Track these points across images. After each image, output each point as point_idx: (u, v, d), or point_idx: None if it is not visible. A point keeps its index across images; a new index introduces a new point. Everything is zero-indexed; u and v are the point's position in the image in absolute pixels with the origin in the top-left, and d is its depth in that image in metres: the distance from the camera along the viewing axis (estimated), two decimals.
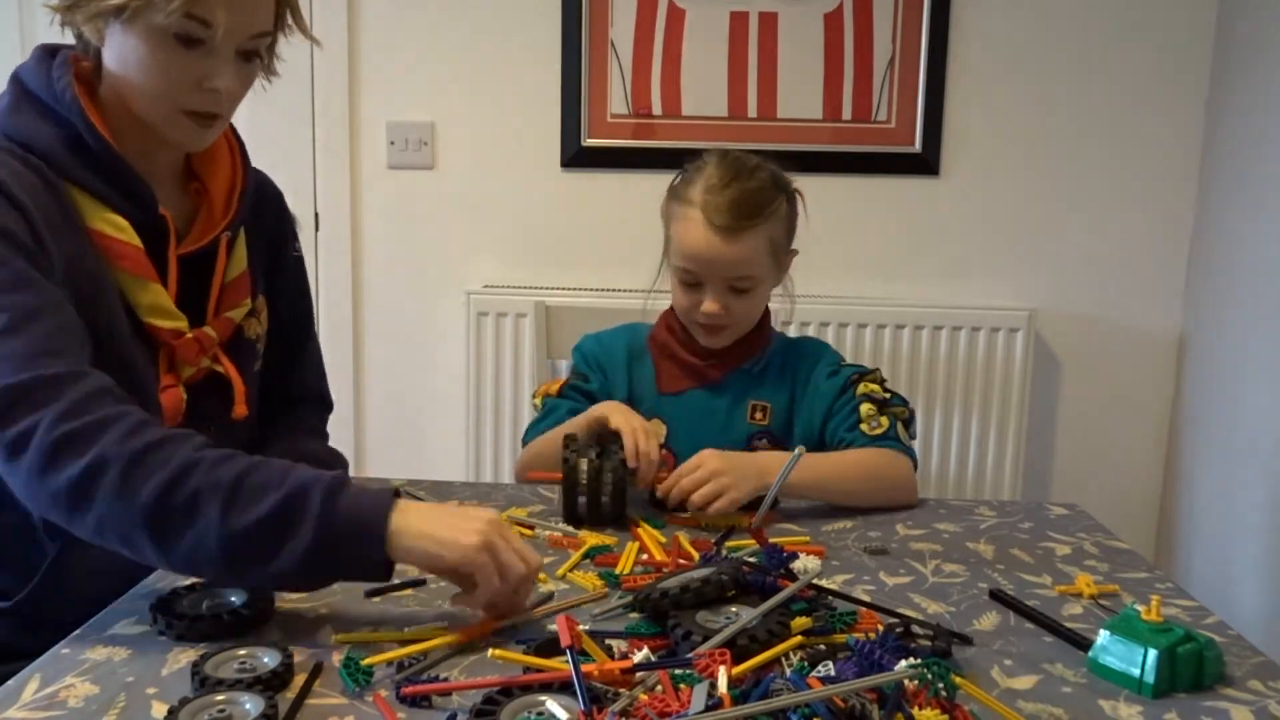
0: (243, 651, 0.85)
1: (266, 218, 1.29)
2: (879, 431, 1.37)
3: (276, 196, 1.33)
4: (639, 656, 0.83)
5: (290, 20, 1.12)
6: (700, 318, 1.41)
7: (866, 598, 1.00)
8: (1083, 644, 0.91)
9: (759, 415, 1.45)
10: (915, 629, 0.90)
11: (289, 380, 1.35)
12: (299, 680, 0.83)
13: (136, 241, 1.09)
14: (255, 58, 1.10)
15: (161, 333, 1.11)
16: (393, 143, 2.47)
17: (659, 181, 1.50)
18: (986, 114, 2.40)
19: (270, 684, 0.80)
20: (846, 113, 2.41)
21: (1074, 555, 1.17)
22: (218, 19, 1.03)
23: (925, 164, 2.41)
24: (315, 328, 1.41)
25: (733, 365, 1.46)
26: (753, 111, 2.42)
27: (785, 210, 1.42)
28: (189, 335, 1.13)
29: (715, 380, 1.46)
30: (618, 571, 1.07)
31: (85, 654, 0.87)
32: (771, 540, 1.11)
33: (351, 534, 0.88)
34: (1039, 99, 2.39)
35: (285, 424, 1.31)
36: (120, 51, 1.06)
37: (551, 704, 0.76)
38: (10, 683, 0.82)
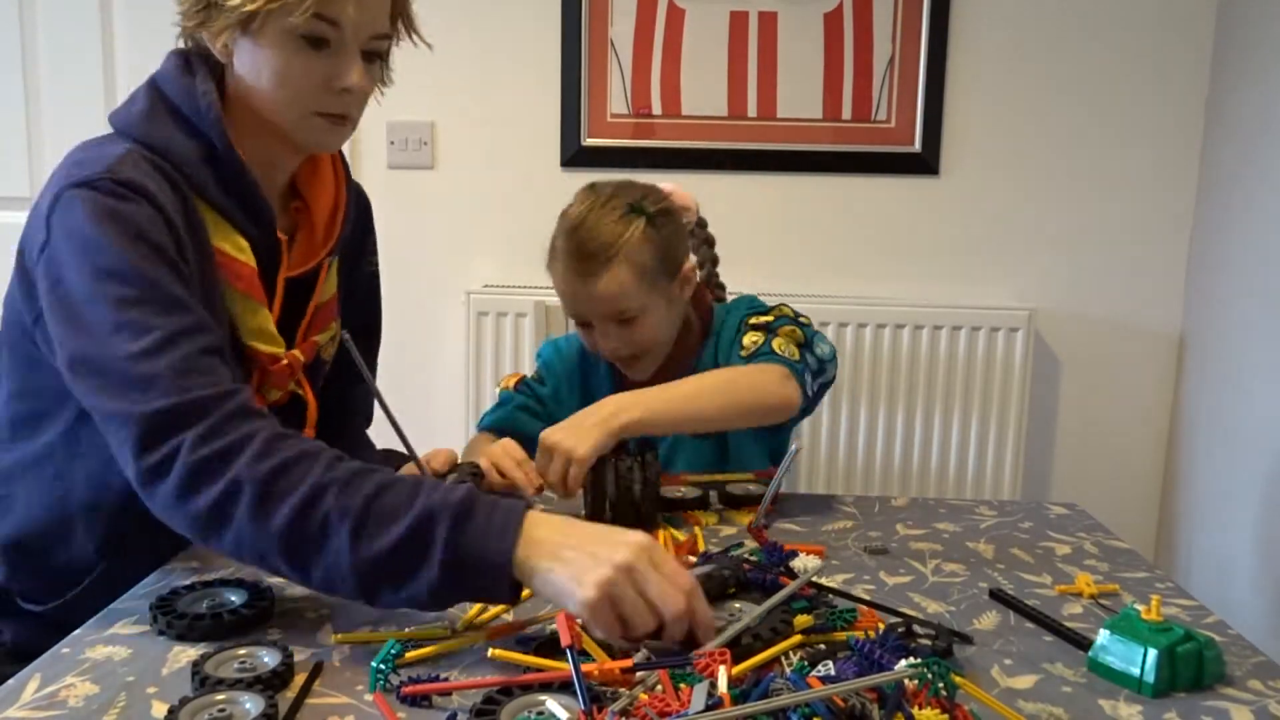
0: (243, 651, 0.85)
1: (355, 233, 1.28)
2: (751, 350, 1.36)
3: (365, 210, 1.32)
4: (639, 656, 0.83)
5: (402, 24, 1.12)
6: (605, 355, 1.43)
7: (867, 597, 1.00)
8: (1083, 643, 0.91)
9: None
10: (916, 628, 0.90)
11: (351, 395, 1.34)
12: (299, 680, 0.83)
13: (253, 263, 1.08)
14: (377, 59, 1.10)
15: (260, 355, 1.10)
16: (393, 143, 2.48)
17: (659, 181, 1.50)
18: (986, 114, 2.40)
19: (270, 684, 0.80)
20: (846, 113, 2.41)
21: (1074, 555, 1.17)
22: (346, 16, 1.03)
23: (925, 164, 2.41)
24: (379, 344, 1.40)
25: (676, 368, 1.44)
26: (753, 111, 2.42)
27: (645, 233, 1.36)
28: (284, 361, 1.12)
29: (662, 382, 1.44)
30: None
31: (85, 654, 0.87)
32: (771, 539, 1.11)
33: (477, 568, 0.85)
34: (1039, 99, 2.39)
35: (349, 442, 1.28)
36: (252, 62, 1.05)
37: (551, 704, 0.76)
38: (10, 682, 0.82)
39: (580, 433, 1.20)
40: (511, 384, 1.53)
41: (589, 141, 2.44)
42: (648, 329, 1.39)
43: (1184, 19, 2.36)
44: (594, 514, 1.21)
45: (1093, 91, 2.38)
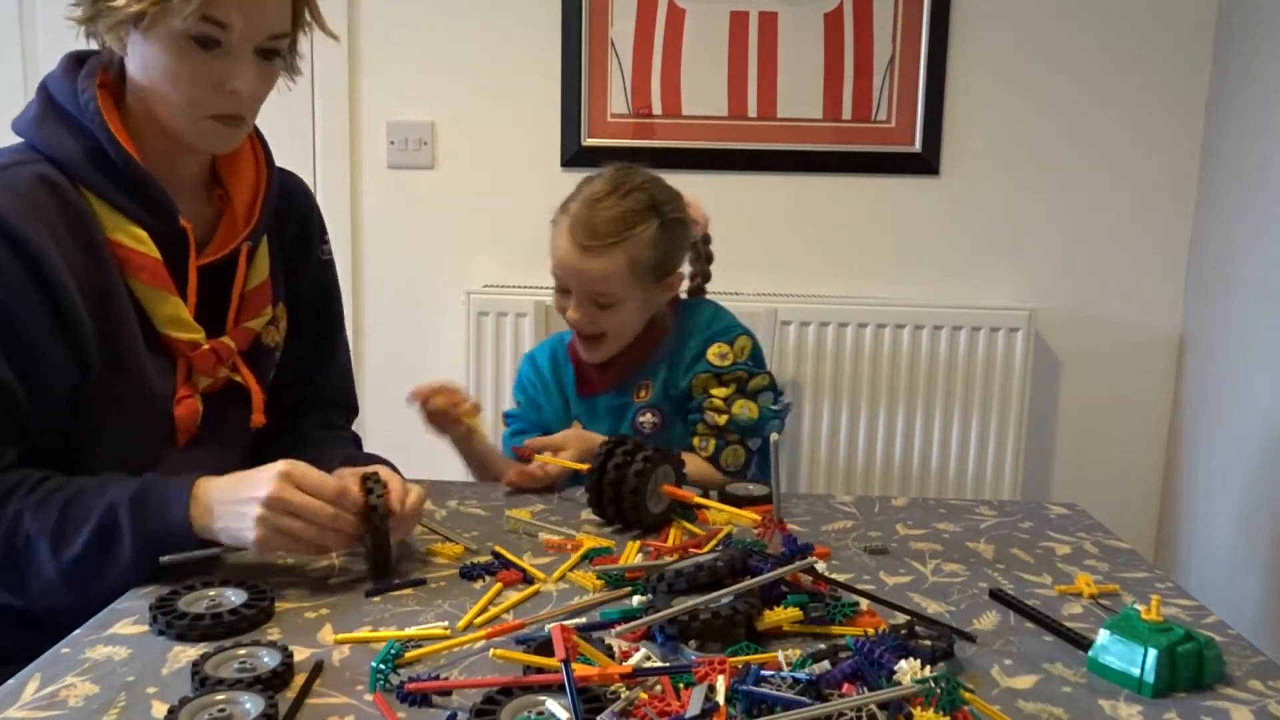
0: (243, 651, 0.85)
1: (291, 220, 1.28)
2: (704, 454, 1.45)
3: (304, 196, 1.32)
4: (637, 657, 0.83)
5: (309, 18, 1.13)
6: (570, 325, 1.48)
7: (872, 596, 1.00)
8: (1083, 644, 0.91)
9: (642, 393, 1.51)
10: (919, 628, 0.90)
11: (317, 384, 1.35)
12: (299, 680, 0.83)
13: (155, 253, 1.08)
14: (275, 56, 1.10)
15: (178, 344, 1.11)
16: (393, 143, 2.48)
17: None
18: (986, 114, 2.40)
19: (270, 684, 0.80)
20: (846, 113, 2.41)
21: (1074, 555, 1.17)
22: (232, 20, 1.03)
23: (925, 164, 2.41)
24: (345, 331, 1.40)
25: (633, 366, 1.51)
26: (753, 111, 2.42)
27: (655, 235, 1.43)
28: (206, 347, 1.13)
29: (619, 384, 1.52)
30: (622, 562, 1.08)
31: (85, 654, 0.87)
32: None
33: (165, 542, 0.98)
34: (1039, 99, 2.39)
35: (318, 434, 1.30)
36: (142, 59, 1.06)
37: (551, 704, 0.76)
38: (10, 682, 0.82)
39: (570, 442, 1.36)
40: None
41: (589, 141, 2.44)
42: (616, 317, 1.45)
43: (1184, 20, 2.36)
44: (591, 501, 1.24)
45: (1093, 92, 2.38)
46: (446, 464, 2.46)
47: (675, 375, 1.50)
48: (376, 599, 1.00)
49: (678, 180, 1.53)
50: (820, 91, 2.40)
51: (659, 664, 0.83)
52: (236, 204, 1.19)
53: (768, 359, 1.60)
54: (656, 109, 2.42)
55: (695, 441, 1.46)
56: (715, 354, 1.47)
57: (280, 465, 0.98)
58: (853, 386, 2.37)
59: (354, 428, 1.42)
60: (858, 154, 2.42)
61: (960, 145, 2.42)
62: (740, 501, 1.28)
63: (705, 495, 1.30)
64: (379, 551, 1.03)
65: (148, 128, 1.10)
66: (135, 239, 1.07)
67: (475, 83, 2.45)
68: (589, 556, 1.12)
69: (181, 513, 0.98)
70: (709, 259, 1.60)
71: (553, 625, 0.80)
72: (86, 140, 1.06)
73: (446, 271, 2.51)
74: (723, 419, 1.44)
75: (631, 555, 1.12)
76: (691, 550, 1.09)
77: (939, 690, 0.73)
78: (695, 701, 0.72)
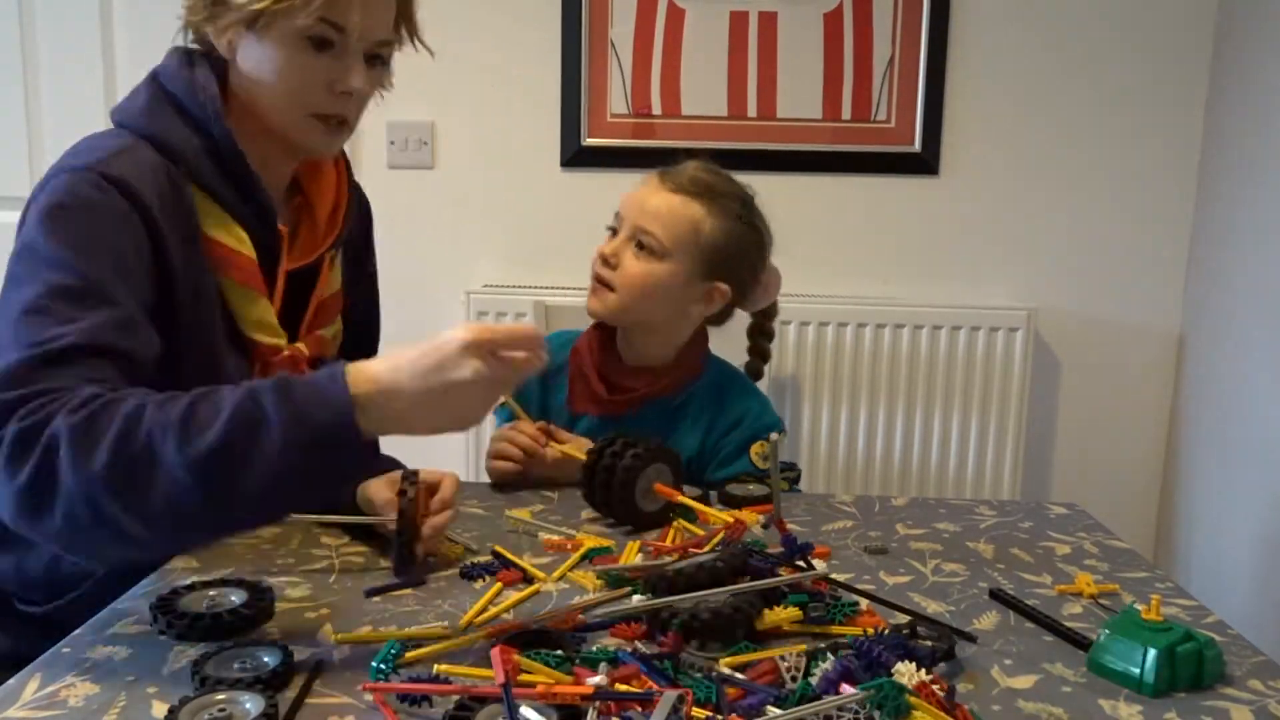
0: (243, 651, 0.85)
1: (357, 233, 1.29)
2: None
3: (366, 211, 1.34)
4: (596, 679, 0.77)
5: (405, 30, 1.14)
6: (596, 266, 1.40)
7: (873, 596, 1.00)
8: (1083, 643, 0.91)
9: None
10: (920, 629, 0.90)
11: None
12: (299, 680, 0.83)
13: (252, 254, 1.09)
14: (378, 63, 1.11)
15: (261, 348, 1.11)
16: (393, 143, 2.47)
17: None
18: (986, 114, 2.40)
19: (270, 684, 0.80)
20: (846, 113, 2.41)
21: (1074, 555, 1.17)
22: (351, 22, 1.05)
23: (924, 164, 2.41)
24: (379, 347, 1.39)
25: (644, 398, 1.42)
26: (752, 111, 2.42)
27: (731, 223, 1.38)
28: (286, 353, 1.13)
29: (619, 414, 1.42)
30: (622, 562, 1.08)
31: (85, 654, 0.87)
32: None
33: (318, 416, 0.80)
34: (1038, 99, 2.39)
35: None
36: (254, 60, 1.07)
37: (526, 709, 0.74)
38: (10, 682, 0.82)
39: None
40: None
41: (589, 141, 2.44)
42: (643, 276, 1.36)
43: (1184, 20, 2.36)
44: (584, 494, 1.24)
45: (1093, 91, 2.38)
46: (446, 464, 2.46)
47: (710, 461, 1.44)
48: (376, 599, 1.00)
49: None
50: (820, 91, 2.40)
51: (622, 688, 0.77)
52: (318, 211, 1.20)
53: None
54: (656, 109, 2.42)
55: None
56: (757, 456, 1.38)
57: (459, 331, 0.86)
58: (852, 386, 2.37)
59: None
60: (857, 154, 2.42)
61: (960, 145, 2.42)
62: (740, 501, 1.28)
63: (704, 496, 1.31)
64: (405, 544, 1.04)
65: (250, 129, 1.10)
66: (235, 238, 1.08)
67: (475, 83, 2.45)
68: (589, 556, 1.12)
69: (340, 385, 0.81)
70: (770, 335, 1.54)
71: (492, 648, 0.73)
72: (202, 135, 1.07)
73: (446, 271, 2.50)
74: None
75: (631, 555, 1.13)
76: (691, 550, 1.09)
77: (879, 700, 0.71)
78: (663, 707, 0.70)
